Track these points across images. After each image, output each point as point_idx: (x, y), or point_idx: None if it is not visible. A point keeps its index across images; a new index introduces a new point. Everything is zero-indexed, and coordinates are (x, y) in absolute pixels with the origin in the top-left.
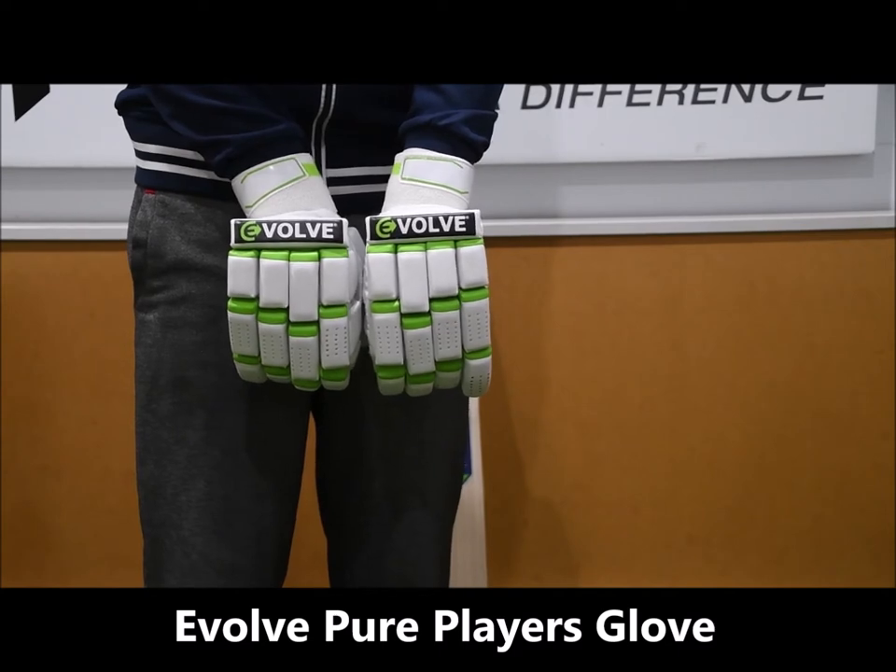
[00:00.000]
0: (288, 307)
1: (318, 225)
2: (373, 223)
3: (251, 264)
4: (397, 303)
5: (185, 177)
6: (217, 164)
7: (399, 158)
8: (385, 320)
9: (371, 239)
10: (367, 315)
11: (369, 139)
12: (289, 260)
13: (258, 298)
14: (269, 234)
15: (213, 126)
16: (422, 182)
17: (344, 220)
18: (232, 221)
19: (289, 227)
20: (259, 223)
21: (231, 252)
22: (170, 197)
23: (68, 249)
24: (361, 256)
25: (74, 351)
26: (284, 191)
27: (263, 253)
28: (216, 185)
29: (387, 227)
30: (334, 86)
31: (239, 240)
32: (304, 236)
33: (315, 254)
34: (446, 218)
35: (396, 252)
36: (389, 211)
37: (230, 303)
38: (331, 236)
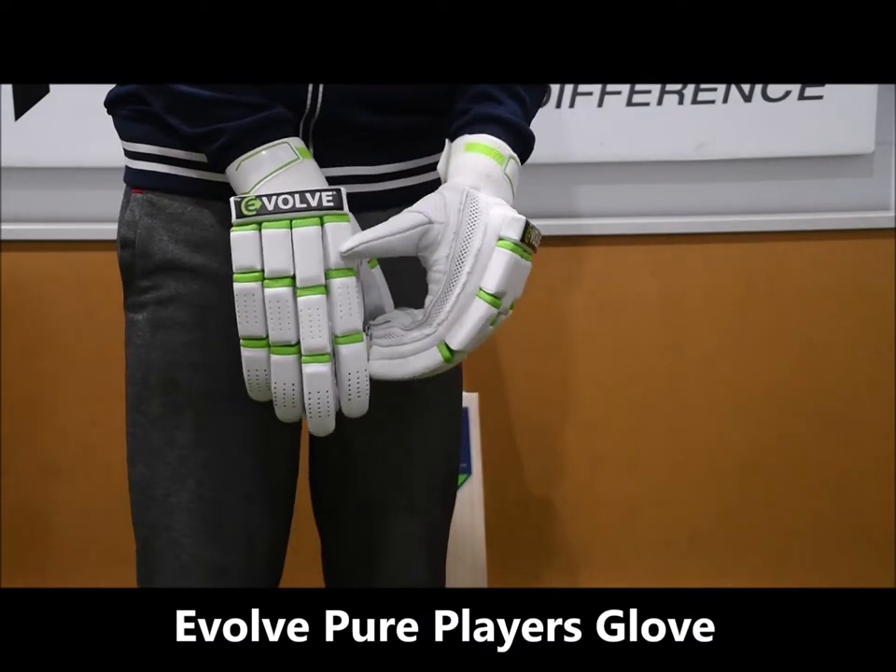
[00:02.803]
0: (294, 276)
1: (318, 194)
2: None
3: (254, 237)
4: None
5: (173, 177)
6: (211, 155)
7: (504, 150)
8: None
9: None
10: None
11: (356, 141)
12: (291, 228)
13: (263, 271)
14: (270, 207)
15: (207, 117)
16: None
17: (342, 188)
18: (232, 199)
19: (289, 198)
20: (259, 197)
21: (232, 228)
22: (158, 196)
23: (68, 249)
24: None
25: (74, 351)
26: (279, 175)
27: (265, 224)
28: (204, 184)
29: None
30: (321, 86)
31: (240, 215)
32: (305, 206)
33: (318, 220)
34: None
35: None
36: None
37: (235, 276)
38: (331, 204)
